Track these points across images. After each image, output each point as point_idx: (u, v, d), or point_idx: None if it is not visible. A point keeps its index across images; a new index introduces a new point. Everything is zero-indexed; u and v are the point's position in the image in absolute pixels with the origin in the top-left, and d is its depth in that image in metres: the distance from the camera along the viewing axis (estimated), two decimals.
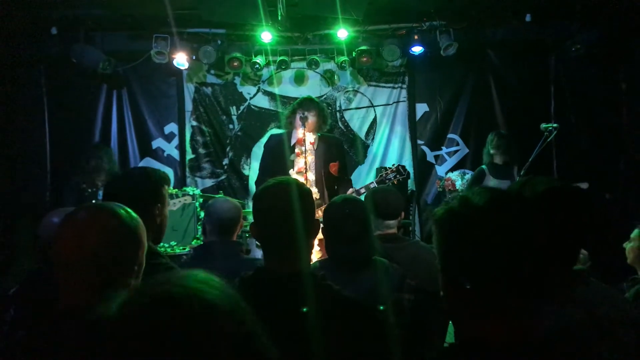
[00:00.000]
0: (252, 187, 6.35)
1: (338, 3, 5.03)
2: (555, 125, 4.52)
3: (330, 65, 6.49)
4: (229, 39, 6.09)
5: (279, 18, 5.38)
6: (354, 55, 6.15)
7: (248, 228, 4.85)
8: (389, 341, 1.51)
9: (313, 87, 6.59)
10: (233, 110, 6.58)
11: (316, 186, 4.24)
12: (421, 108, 6.63)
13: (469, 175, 5.81)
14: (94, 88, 6.23)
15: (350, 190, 4.15)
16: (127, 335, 0.72)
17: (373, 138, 6.66)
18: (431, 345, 2.44)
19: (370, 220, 2.31)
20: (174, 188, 5.97)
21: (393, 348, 1.50)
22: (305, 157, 4.07)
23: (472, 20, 6.00)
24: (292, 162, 4.26)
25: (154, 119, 6.46)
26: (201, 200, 5.61)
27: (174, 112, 6.52)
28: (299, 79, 6.59)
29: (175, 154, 6.51)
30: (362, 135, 6.65)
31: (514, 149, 5.12)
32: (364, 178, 6.45)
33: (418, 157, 6.58)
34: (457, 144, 6.56)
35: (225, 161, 6.58)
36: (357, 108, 6.65)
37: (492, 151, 5.11)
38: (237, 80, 6.57)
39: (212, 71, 6.51)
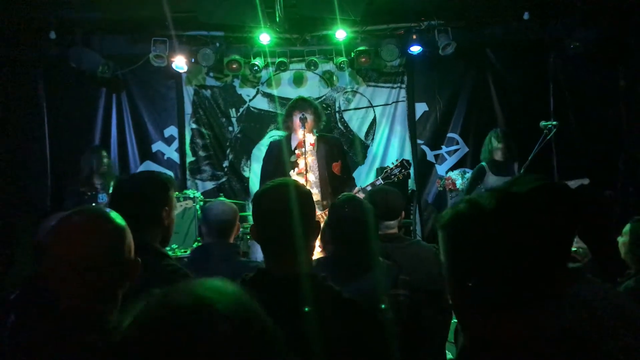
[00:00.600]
0: (253, 190, 6.36)
1: (336, 4, 5.03)
2: (554, 122, 4.52)
3: (329, 66, 6.49)
4: (227, 41, 6.09)
5: (277, 19, 5.38)
6: (352, 56, 6.16)
7: (249, 230, 4.84)
8: (389, 342, 1.51)
9: (312, 88, 6.59)
10: (232, 112, 6.58)
11: (317, 187, 4.24)
12: (420, 107, 6.63)
13: (469, 174, 5.81)
14: (93, 92, 6.23)
15: (356, 189, 4.14)
16: (139, 348, 0.72)
17: (373, 138, 6.66)
18: (429, 341, 2.44)
19: (372, 223, 2.29)
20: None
21: (393, 349, 1.50)
22: (305, 158, 4.07)
23: (470, 19, 6.01)
24: (292, 163, 4.26)
25: (153, 122, 6.46)
26: (202, 202, 5.61)
27: (173, 115, 6.52)
28: (298, 81, 6.59)
29: (175, 156, 6.52)
30: (362, 135, 6.65)
31: (514, 145, 5.12)
32: (364, 178, 6.45)
33: (418, 157, 6.58)
34: (457, 143, 6.56)
35: (226, 163, 6.58)
36: (356, 108, 6.65)
37: (494, 148, 5.08)
38: (236, 82, 6.57)
39: (211, 74, 6.52)
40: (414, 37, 5.99)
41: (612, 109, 6.10)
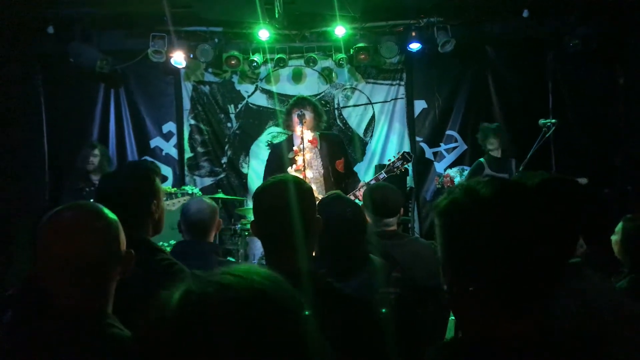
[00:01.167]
0: (252, 186, 6.35)
1: (335, 0, 5.02)
2: (553, 120, 4.53)
3: (328, 63, 6.47)
4: (226, 37, 6.08)
5: (276, 15, 5.37)
6: (351, 53, 6.15)
7: (248, 226, 4.85)
8: (389, 340, 1.51)
9: (311, 84, 6.58)
10: (231, 108, 6.57)
11: (315, 184, 4.24)
12: (419, 105, 6.62)
13: (467, 171, 5.82)
14: (92, 87, 6.22)
15: (360, 184, 4.19)
16: (191, 324, 0.71)
17: (371, 135, 6.66)
18: (425, 339, 2.44)
19: (360, 221, 2.27)
20: (172, 187, 5.97)
21: (392, 346, 1.50)
22: (303, 155, 4.07)
23: (469, 17, 6.00)
24: (291, 160, 4.27)
25: (152, 118, 6.45)
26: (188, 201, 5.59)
27: (172, 111, 6.51)
28: (297, 77, 6.58)
29: (174, 152, 6.51)
30: (361, 132, 6.65)
31: (509, 141, 5.14)
32: (362, 175, 6.44)
33: (416, 154, 6.57)
34: (456, 141, 6.56)
35: (224, 159, 6.57)
36: (355, 105, 6.64)
37: (490, 146, 5.10)
38: (235, 78, 6.56)
39: (210, 69, 6.50)
40: (413, 34, 5.98)
41: (610, 107, 6.11)
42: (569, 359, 0.97)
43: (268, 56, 6.18)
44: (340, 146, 4.55)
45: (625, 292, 2.41)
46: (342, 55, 6.12)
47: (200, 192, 5.81)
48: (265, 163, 4.71)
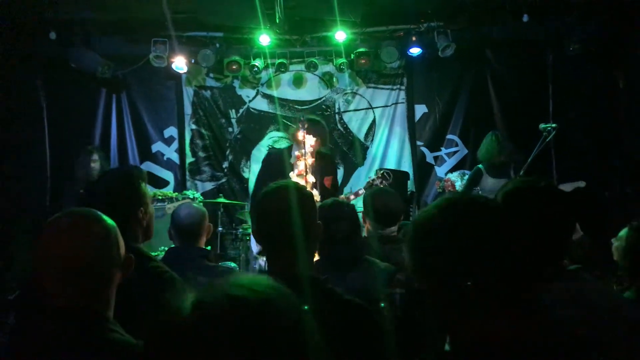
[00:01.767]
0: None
1: (336, 5, 5.04)
2: (554, 125, 4.53)
3: (329, 68, 6.49)
4: (227, 42, 6.10)
5: (277, 21, 5.39)
6: (352, 57, 6.17)
7: (249, 231, 4.86)
8: (389, 344, 1.52)
9: (312, 89, 6.60)
10: (232, 113, 6.59)
11: (317, 189, 4.25)
12: (420, 109, 6.64)
13: (468, 176, 5.81)
14: (93, 92, 6.24)
15: (341, 197, 4.34)
16: (204, 333, 0.72)
17: (372, 140, 6.67)
18: (426, 340, 2.44)
19: (359, 221, 2.35)
20: (174, 191, 5.98)
21: (392, 351, 1.51)
22: (305, 160, 4.07)
23: (469, 21, 6.01)
24: (292, 165, 4.29)
25: (153, 123, 6.47)
26: (201, 204, 5.60)
27: (173, 116, 6.53)
28: (298, 82, 6.60)
29: (175, 157, 6.52)
30: (362, 137, 6.66)
31: (515, 149, 5.13)
32: (363, 180, 6.44)
33: (417, 158, 6.59)
34: (456, 145, 6.56)
35: (225, 164, 6.59)
36: (355, 110, 6.66)
37: (495, 151, 5.05)
38: (236, 83, 6.58)
39: (211, 74, 6.52)
40: (414, 38, 6.00)
41: (611, 109, 6.11)
42: None
43: (269, 61, 6.20)
44: (333, 165, 4.64)
45: (634, 303, 2.36)
46: (342, 60, 6.14)
47: (201, 197, 5.83)
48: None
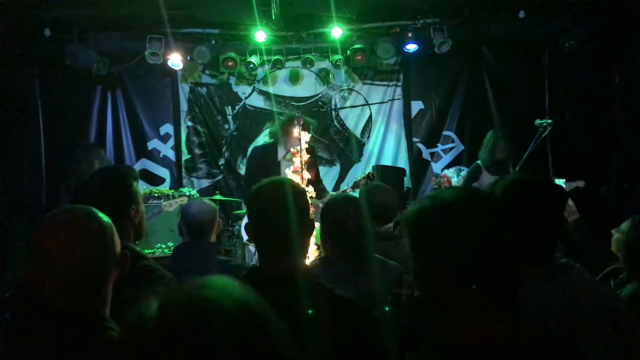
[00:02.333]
0: None
1: (332, 1, 5.03)
2: (549, 121, 4.53)
3: (325, 64, 6.48)
4: (223, 38, 6.08)
5: (273, 17, 5.38)
6: (348, 54, 6.17)
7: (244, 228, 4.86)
8: (382, 339, 1.52)
9: (308, 86, 6.59)
10: (228, 110, 6.58)
11: (312, 185, 4.26)
12: (416, 105, 6.64)
13: (464, 172, 5.82)
14: (89, 89, 6.21)
15: (328, 195, 4.43)
16: (168, 337, 0.72)
17: (369, 136, 6.67)
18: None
19: (368, 217, 2.33)
20: (170, 189, 5.97)
21: (387, 346, 1.51)
22: (300, 156, 4.08)
23: (466, 17, 6.00)
24: (288, 161, 4.33)
25: (149, 120, 6.45)
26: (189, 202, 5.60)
27: (169, 113, 6.51)
28: (294, 78, 6.59)
29: (171, 154, 6.51)
30: (358, 133, 6.66)
31: (514, 147, 5.14)
32: (360, 177, 6.45)
33: (414, 155, 6.60)
34: (453, 141, 6.57)
35: (221, 161, 6.58)
36: (352, 106, 6.65)
37: (497, 149, 5.06)
38: (232, 80, 6.57)
39: (207, 71, 6.51)
40: (410, 35, 6.00)
41: (607, 106, 6.13)
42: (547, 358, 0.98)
43: (265, 58, 6.18)
44: (315, 159, 4.74)
45: (634, 297, 2.35)
46: (338, 57, 6.13)
47: (197, 194, 5.81)
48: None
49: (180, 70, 6.19)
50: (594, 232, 3.06)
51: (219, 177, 6.57)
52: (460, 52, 6.15)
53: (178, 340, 0.72)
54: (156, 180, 6.35)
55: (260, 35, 5.72)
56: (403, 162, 6.58)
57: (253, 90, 6.59)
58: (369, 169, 6.40)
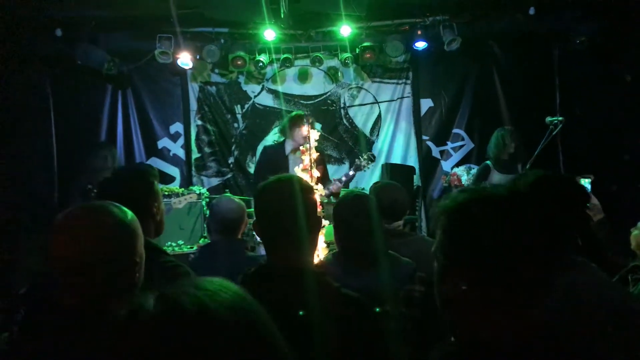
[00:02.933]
0: None
1: None
2: (560, 118, 4.50)
3: (334, 62, 6.49)
4: (232, 37, 6.09)
5: (282, 16, 5.38)
6: (357, 52, 6.16)
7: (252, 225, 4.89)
8: (388, 338, 1.52)
9: (317, 84, 6.60)
10: (238, 108, 6.60)
11: (321, 182, 4.28)
12: (426, 103, 6.62)
13: (474, 170, 5.80)
14: (99, 88, 6.26)
15: (334, 181, 4.61)
16: (135, 341, 0.73)
17: (378, 134, 6.66)
18: (444, 337, 2.44)
19: (380, 215, 2.33)
20: (180, 187, 6.01)
21: (392, 345, 1.51)
22: (310, 154, 4.08)
23: (475, 14, 5.97)
24: (287, 158, 4.40)
25: (159, 119, 6.48)
26: (207, 199, 5.64)
27: (179, 112, 6.55)
28: (303, 77, 6.60)
29: (181, 153, 6.54)
30: (367, 131, 6.65)
31: (521, 144, 5.12)
32: (369, 175, 6.45)
33: (423, 153, 6.58)
34: (462, 139, 6.55)
35: (231, 160, 6.60)
36: (361, 104, 6.65)
37: (506, 147, 5.05)
38: (241, 78, 6.59)
39: (216, 70, 6.53)
40: (419, 32, 5.97)
41: (618, 104, 6.06)
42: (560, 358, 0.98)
43: (274, 56, 6.19)
44: (322, 156, 4.76)
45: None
46: (347, 55, 6.13)
47: (207, 192, 5.84)
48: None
49: (189, 69, 6.22)
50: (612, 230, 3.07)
51: (229, 175, 6.60)
52: (469, 50, 6.12)
53: (171, 334, 0.72)
54: (166, 178, 6.38)
55: (269, 34, 5.73)
56: (412, 160, 6.56)
57: (262, 89, 6.61)
58: (379, 168, 6.42)
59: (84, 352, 1.23)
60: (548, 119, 4.58)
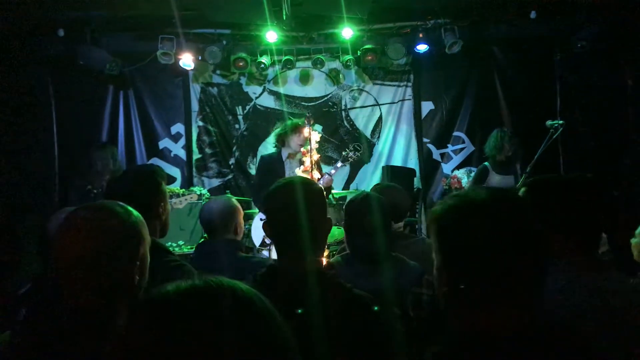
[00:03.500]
0: None
1: (343, 2, 5.04)
2: (561, 122, 4.50)
3: (336, 64, 6.50)
4: (234, 39, 6.11)
5: (284, 17, 5.40)
6: (359, 54, 6.16)
7: (261, 227, 4.90)
8: (401, 339, 1.53)
9: (318, 86, 6.61)
10: (239, 110, 6.61)
11: (322, 184, 4.30)
12: (426, 106, 6.63)
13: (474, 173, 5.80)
14: (101, 89, 6.27)
15: (325, 174, 4.62)
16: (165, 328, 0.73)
17: (379, 137, 6.67)
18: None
19: (388, 216, 2.35)
20: (181, 188, 6.01)
21: (400, 348, 1.51)
22: (311, 156, 4.10)
23: (476, 18, 5.98)
24: (299, 161, 4.39)
25: (160, 120, 6.50)
26: (208, 200, 5.64)
27: (180, 113, 6.56)
28: (304, 79, 6.61)
29: (182, 154, 6.55)
30: (368, 134, 6.66)
31: (521, 146, 5.12)
32: (369, 177, 6.47)
33: (424, 155, 6.59)
34: (463, 142, 6.56)
35: (232, 161, 6.61)
36: (362, 107, 6.66)
37: (504, 148, 5.04)
38: (243, 80, 6.60)
39: (218, 71, 6.54)
40: (421, 35, 5.99)
41: (619, 108, 6.07)
42: (559, 353, 1.00)
43: (276, 58, 6.20)
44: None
45: None
46: (349, 57, 6.14)
47: (208, 193, 5.85)
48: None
49: (191, 70, 6.23)
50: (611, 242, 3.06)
51: (229, 176, 6.61)
52: (470, 53, 6.14)
53: (172, 332, 0.72)
54: (167, 179, 6.38)
55: (271, 36, 5.74)
56: (413, 163, 6.57)
57: (263, 90, 6.62)
58: (379, 170, 6.43)
59: (85, 351, 1.24)
60: (548, 122, 4.58)
